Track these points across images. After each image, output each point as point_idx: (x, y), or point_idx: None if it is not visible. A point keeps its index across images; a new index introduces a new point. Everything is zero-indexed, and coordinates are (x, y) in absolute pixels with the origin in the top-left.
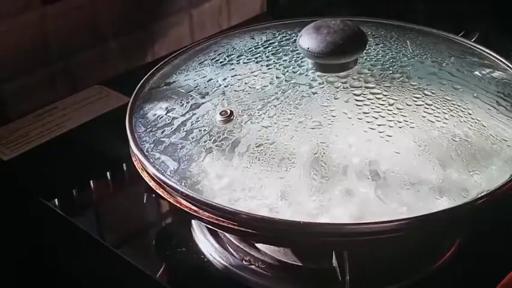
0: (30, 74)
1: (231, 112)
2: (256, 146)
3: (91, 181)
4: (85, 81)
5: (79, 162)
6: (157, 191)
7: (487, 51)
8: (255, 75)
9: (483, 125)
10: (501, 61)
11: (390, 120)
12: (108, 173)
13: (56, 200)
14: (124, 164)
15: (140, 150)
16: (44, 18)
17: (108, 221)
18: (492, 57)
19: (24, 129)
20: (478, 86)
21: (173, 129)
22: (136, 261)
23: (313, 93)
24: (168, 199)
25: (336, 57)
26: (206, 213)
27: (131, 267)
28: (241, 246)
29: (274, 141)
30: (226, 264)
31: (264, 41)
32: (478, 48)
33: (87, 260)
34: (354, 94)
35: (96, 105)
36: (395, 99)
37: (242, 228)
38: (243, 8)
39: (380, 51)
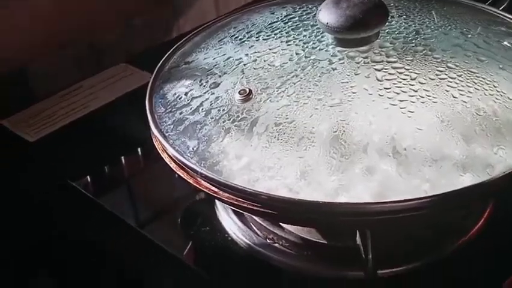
0: (55, 54)
1: (250, 91)
2: (275, 125)
3: (116, 162)
4: (110, 59)
5: (103, 142)
6: (177, 172)
7: None
8: (275, 52)
9: (509, 98)
10: None
11: (412, 96)
12: (132, 153)
13: (81, 181)
14: (148, 144)
15: (160, 131)
16: None
17: (133, 202)
18: None
19: (50, 109)
20: (504, 57)
21: (192, 109)
22: (161, 241)
23: (333, 69)
24: (188, 180)
25: (356, 32)
26: (226, 194)
27: (156, 247)
28: (265, 225)
29: (293, 119)
30: (250, 243)
31: (284, 16)
32: (506, 17)
33: (113, 241)
34: (375, 69)
35: (121, 84)
36: (418, 73)
37: (262, 209)
38: None
39: (403, 23)
